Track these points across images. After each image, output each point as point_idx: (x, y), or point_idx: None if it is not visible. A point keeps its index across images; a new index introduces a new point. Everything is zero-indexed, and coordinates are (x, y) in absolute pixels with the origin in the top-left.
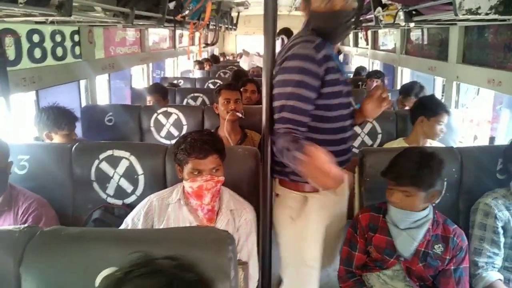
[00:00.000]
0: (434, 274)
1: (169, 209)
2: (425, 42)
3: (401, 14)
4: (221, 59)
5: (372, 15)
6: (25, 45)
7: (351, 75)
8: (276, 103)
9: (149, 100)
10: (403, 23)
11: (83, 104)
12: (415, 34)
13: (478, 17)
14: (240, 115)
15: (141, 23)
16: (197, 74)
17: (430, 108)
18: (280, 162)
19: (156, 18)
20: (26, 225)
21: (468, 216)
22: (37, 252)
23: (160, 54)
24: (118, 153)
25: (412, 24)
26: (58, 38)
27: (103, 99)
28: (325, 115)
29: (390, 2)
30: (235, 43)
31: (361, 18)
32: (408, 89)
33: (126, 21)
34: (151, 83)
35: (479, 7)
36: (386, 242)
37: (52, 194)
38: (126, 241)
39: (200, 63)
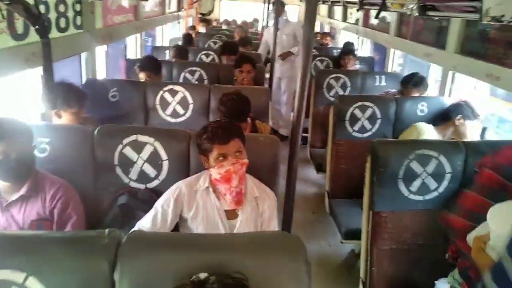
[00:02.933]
0: None
1: (197, 196)
2: (422, 28)
3: (414, 6)
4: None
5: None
6: None
7: (339, 51)
8: None
9: (141, 76)
10: (415, 14)
11: (84, 78)
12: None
13: (499, 24)
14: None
15: None
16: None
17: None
18: None
19: None
20: (107, 230)
21: None
22: (127, 258)
23: (152, 22)
24: (142, 138)
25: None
26: (61, 8)
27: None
28: None
29: None
30: (219, 9)
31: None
32: (407, 80)
33: None
34: (143, 53)
35: (503, 15)
36: None
37: (74, 177)
38: (202, 247)
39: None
